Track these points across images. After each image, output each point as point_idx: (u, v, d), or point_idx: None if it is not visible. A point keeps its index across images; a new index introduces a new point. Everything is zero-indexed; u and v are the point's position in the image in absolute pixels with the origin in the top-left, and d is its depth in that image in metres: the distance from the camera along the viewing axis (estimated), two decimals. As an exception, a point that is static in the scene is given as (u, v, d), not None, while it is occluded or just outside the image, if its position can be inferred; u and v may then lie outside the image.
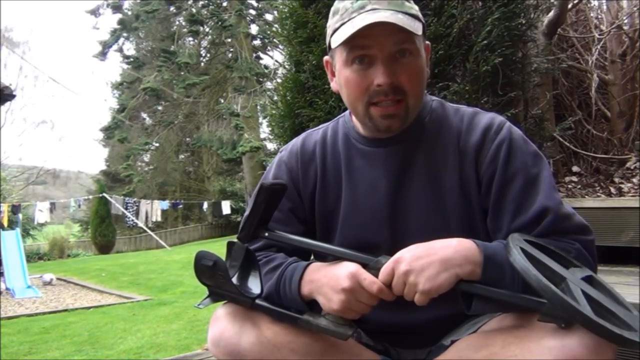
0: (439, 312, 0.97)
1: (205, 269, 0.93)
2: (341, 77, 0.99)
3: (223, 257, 0.96)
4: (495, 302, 0.85)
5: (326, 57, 1.07)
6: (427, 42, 1.04)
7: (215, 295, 0.98)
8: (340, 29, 0.95)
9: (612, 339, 0.72)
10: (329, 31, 1.01)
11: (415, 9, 0.97)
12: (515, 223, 0.94)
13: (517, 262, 0.79)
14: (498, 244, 0.91)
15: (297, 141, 1.15)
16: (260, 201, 0.95)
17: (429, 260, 0.85)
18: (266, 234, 0.99)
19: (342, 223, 1.06)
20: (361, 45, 0.94)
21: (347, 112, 1.13)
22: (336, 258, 0.95)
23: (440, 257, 0.85)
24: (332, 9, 1.00)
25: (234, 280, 0.96)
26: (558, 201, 0.95)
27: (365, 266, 0.90)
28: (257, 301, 0.95)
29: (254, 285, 0.97)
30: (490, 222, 0.98)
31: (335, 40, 0.96)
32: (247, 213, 0.98)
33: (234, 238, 1.01)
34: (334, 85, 1.07)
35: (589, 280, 0.84)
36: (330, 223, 1.08)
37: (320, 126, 1.17)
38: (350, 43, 0.94)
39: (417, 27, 0.94)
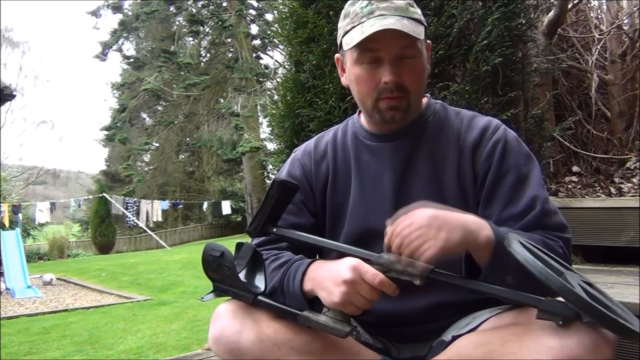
0: (438, 298, 1.02)
1: (212, 259, 0.96)
2: (352, 74, 1.09)
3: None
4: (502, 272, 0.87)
5: (337, 55, 1.17)
6: (428, 41, 1.13)
7: (219, 291, 0.99)
8: (350, 31, 1.05)
9: (616, 329, 0.73)
10: (340, 32, 1.10)
11: (418, 13, 1.07)
12: (504, 213, 1.01)
13: (518, 251, 0.80)
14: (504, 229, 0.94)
15: (310, 142, 1.25)
16: (271, 195, 0.99)
17: (450, 218, 0.89)
18: (274, 230, 1.03)
19: (350, 212, 1.12)
20: (370, 48, 1.03)
21: (355, 114, 1.23)
22: (341, 255, 0.97)
23: (460, 221, 0.89)
24: (343, 12, 1.10)
25: (240, 276, 0.98)
26: (545, 197, 1.02)
27: (367, 262, 0.91)
28: (259, 297, 0.96)
29: (259, 283, 0.99)
30: (481, 211, 1.04)
31: (347, 42, 1.06)
32: (258, 207, 1.03)
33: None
34: (344, 80, 1.17)
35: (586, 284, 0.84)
36: (339, 214, 1.14)
37: (331, 129, 1.27)
38: (361, 46, 1.03)
39: (420, 32, 1.03)
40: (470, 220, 0.90)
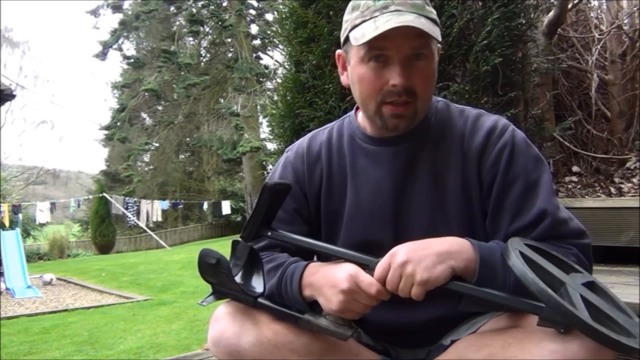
0: (439, 312, 0.98)
1: (209, 266, 0.94)
2: (355, 73, 0.99)
3: (226, 255, 0.96)
4: (485, 302, 0.85)
5: (339, 51, 1.07)
6: (439, 44, 1.04)
7: (219, 293, 0.98)
8: (360, 25, 0.95)
9: (609, 344, 0.71)
10: (346, 25, 1.00)
11: (434, 13, 0.97)
12: (513, 226, 0.95)
13: (516, 266, 0.78)
14: (493, 244, 0.91)
15: (303, 142, 1.15)
16: (263, 201, 0.96)
17: (425, 253, 0.85)
18: (269, 233, 0.99)
19: (347, 222, 1.06)
20: (380, 46, 0.93)
21: (351, 112, 1.13)
22: (338, 258, 0.95)
23: (436, 250, 0.86)
24: (352, 3, 0.99)
25: (237, 278, 0.96)
26: (556, 206, 0.95)
27: (365, 267, 0.90)
28: (259, 300, 0.95)
29: (257, 284, 0.97)
30: (489, 224, 0.99)
31: (356, 37, 0.95)
32: (251, 212, 0.99)
33: (234, 238, 1.01)
34: (344, 79, 1.07)
35: (590, 285, 0.83)
36: (335, 223, 1.08)
37: (326, 126, 1.17)
38: (370, 43, 0.93)
39: (437, 33, 0.94)
40: (448, 247, 0.87)
